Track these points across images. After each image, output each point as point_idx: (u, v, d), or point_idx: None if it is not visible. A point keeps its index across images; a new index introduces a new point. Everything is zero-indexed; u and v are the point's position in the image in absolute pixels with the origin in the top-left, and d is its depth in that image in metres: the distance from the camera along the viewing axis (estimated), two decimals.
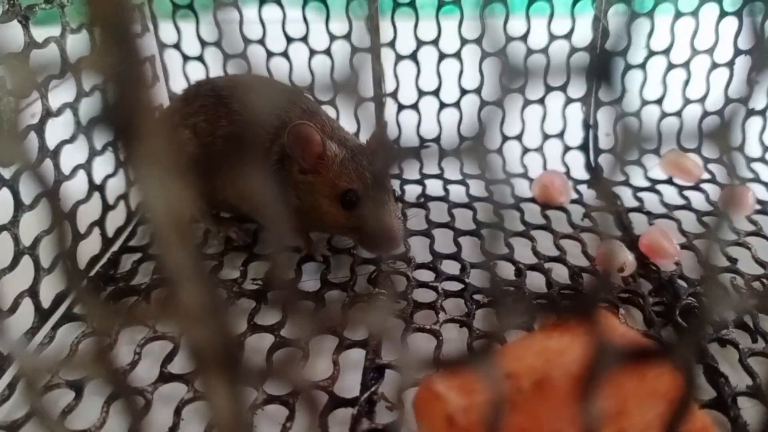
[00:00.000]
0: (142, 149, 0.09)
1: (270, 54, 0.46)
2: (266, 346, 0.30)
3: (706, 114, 0.47)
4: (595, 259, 0.36)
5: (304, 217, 0.35)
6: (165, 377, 0.28)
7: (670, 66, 0.46)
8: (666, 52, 0.45)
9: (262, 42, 0.45)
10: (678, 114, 0.47)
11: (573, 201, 0.43)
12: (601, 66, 0.16)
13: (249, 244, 0.39)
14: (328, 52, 0.45)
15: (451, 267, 0.36)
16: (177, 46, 0.46)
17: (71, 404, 0.26)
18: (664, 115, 0.47)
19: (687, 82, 0.46)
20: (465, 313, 0.32)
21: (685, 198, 0.43)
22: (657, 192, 0.44)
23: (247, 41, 0.45)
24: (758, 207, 0.41)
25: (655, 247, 0.36)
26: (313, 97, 0.41)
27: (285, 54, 0.46)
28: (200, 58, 0.46)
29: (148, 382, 0.28)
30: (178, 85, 0.47)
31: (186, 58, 0.46)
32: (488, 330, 0.31)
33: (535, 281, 0.35)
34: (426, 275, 0.35)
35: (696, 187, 0.44)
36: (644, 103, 0.46)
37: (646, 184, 0.45)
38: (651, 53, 0.45)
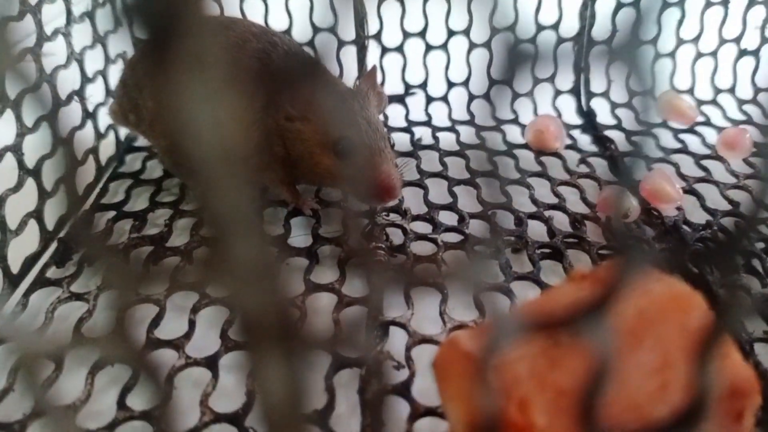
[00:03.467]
0: (187, 49, 0.07)
1: None
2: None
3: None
4: (597, 205, 0.35)
5: (291, 168, 0.33)
6: (156, 343, 0.26)
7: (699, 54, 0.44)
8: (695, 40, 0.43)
9: None
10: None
11: (567, 147, 0.42)
12: None
13: None
14: None
15: (448, 218, 0.34)
16: None
17: (51, 377, 0.24)
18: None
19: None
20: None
21: (681, 141, 0.42)
22: (653, 135, 0.42)
23: None
24: (754, 149, 0.40)
25: (657, 191, 0.35)
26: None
27: None
28: None
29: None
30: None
31: None
32: (495, 284, 0.29)
33: (536, 230, 0.33)
34: (423, 227, 0.34)
35: (691, 130, 0.43)
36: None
37: (640, 128, 0.44)
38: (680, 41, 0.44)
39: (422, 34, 0.44)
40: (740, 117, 0.44)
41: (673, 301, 0.19)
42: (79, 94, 0.36)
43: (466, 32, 0.44)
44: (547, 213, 0.35)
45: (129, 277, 0.11)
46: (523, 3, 0.43)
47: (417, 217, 0.34)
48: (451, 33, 0.44)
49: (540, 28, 0.44)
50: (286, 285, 0.28)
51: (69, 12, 0.36)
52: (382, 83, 0.44)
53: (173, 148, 0.35)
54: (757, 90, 0.45)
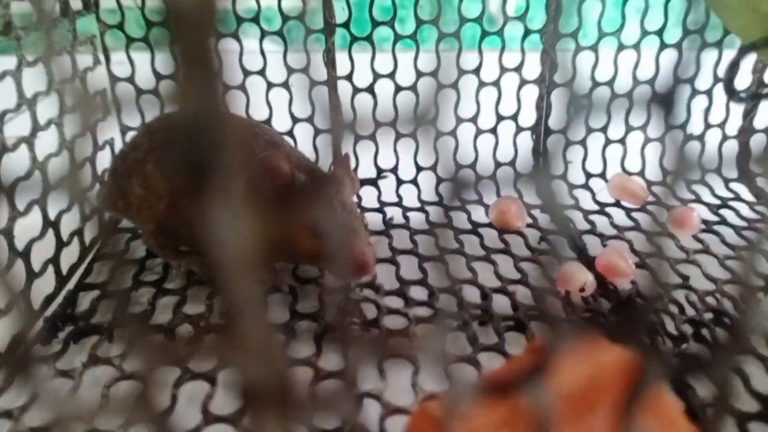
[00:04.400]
0: (222, 183, 0.09)
1: (226, 87, 0.46)
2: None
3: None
4: (557, 280, 0.37)
5: (270, 250, 0.35)
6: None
7: (647, 140, 0.48)
8: (643, 127, 0.48)
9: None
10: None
11: (528, 225, 0.45)
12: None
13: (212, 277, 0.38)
14: (286, 85, 0.46)
15: (419, 293, 0.36)
16: (131, 79, 0.45)
17: None
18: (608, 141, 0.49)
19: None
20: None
21: (634, 220, 0.45)
22: (606, 215, 0.46)
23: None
24: (703, 226, 0.43)
25: (612, 266, 0.38)
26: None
27: (242, 87, 0.46)
28: (154, 92, 0.45)
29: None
30: (132, 120, 0.46)
31: (140, 91, 0.45)
32: (463, 355, 0.31)
33: (501, 303, 0.36)
34: (395, 302, 0.36)
35: (642, 209, 0.46)
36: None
37: (595, 207, 0.47)
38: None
39: (392, 123, 0.47)
40: (689, 196, 0.48)
41: (624, 369, 0.21)
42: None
43: (433, 122, 0.47)
44: (510, 288, 0.37)
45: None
46: (484, 96, 0.47)
47: (390, 292, 0.36)
48: (459, 121, 0.47)
49: (500, 118, 0.48)
50: (284, 360, 0.30)
51: (62, 104, 0.39)
52: (355, 168, 0.47)
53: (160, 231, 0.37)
54: (704, 171, 0.49)
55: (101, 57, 0.43)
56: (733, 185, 0.49)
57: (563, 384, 0.20)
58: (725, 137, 0.50)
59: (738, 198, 0.48)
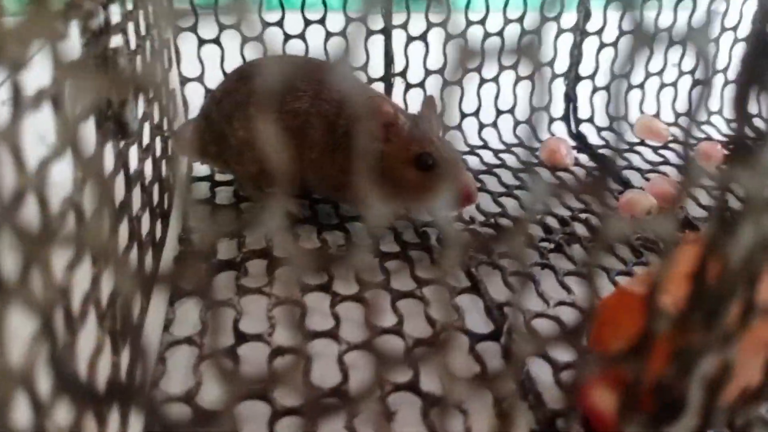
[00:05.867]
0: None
1: (288, 36, 0.47)
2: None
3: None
4: (621, 207, 0.41)
5: (374, 186, 0.37)
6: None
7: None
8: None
9: (280, 24, 0.47)
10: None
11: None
12: None
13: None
14: (343, 33, 0.47)
15: (506, 222, 0.40)
16: (193, 28, 0.45)
17: None
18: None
19: None
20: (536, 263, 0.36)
21: (662, 156, 0.50)
22: (637, 152, 0.51)
23: (265, 24, 0.46)
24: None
25: (665, 193, 0.42)
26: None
27: (302, 36, 0.47)
28: (217, 41, 0.46)
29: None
30: (191, 70, 0.47)
31: (202, 41, 0.46)
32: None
33: (578, 228, 0.40)
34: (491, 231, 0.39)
35: (665, 147, 0.51)
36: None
37: (625, 146, 0.52)
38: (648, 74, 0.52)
39: (440, 71, 0.50)
40: (701, 135, 0.53)
41: None
42: None
43: (478, 69, 0.50)
44: (582, 215, 0.41)
45: None
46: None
47: (484, 224, 0.40)
48: (466, 71, 0.50)
49: (538, 64, 0.52)
50: None
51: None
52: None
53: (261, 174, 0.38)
54: (710, 113, 0.55)
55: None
56: (734, 125, 0.55)
57: None
58: (727, 81, 0.56)
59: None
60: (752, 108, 0.16)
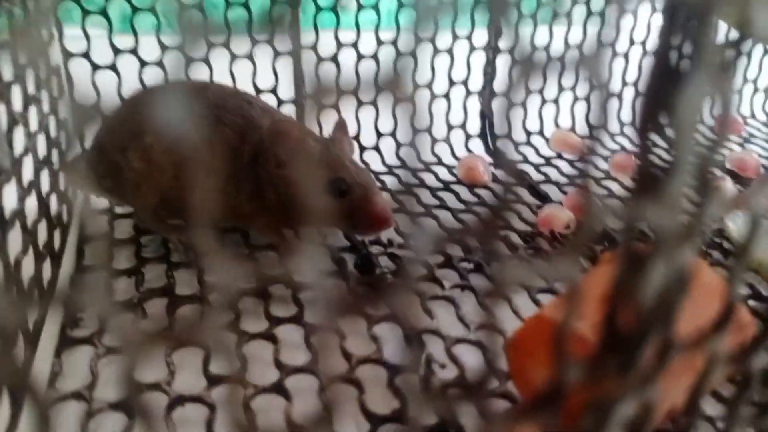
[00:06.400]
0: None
1: (189, 60, 0.44)
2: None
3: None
4: (539, 222, 0.41)
5: (282, 214, 0.36)
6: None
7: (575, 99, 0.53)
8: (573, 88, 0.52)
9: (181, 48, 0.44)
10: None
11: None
12: None
13: None
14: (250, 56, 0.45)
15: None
16: (86, 54, 0.42)
17: None
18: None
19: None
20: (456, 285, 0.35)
21: (578, 169, 0.50)
22: (554, 166, 0.51)
23: (163, 48, 0.43)
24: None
25: (582, 206, 0.42)
26: None
27: (206, 60, 0.45)
28: (113, 67, 0.43)
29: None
30: (86, 97, 0.43)
31: (96, 66, 0.43)
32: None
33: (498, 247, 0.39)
34: (408, 253, 0.38)
35: (581, 160, 0.52)
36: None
37: (541, 161, 0.52)
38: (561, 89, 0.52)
39: (354, 92, 0.49)
40: (615, 146, 0.54)
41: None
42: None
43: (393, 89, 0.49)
44: (502, 233, 0.40)
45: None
46: (438, 63, 0.50)
47: (401, 246, 0.38)
48: (379, 89, 0.49)
49: (452, 83, 0.51)
50: None
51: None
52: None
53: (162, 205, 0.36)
54: (622, 125, 0.56)
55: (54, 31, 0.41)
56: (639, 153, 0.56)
57: None
58: (638, 94, 0.57)
59: (655, 145, 0.54)
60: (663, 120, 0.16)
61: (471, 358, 0.29)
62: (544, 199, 0.45)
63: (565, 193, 0.46)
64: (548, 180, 0.48)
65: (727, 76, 0.13)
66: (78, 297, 0.13)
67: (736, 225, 0.39)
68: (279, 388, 0.27)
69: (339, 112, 0.48)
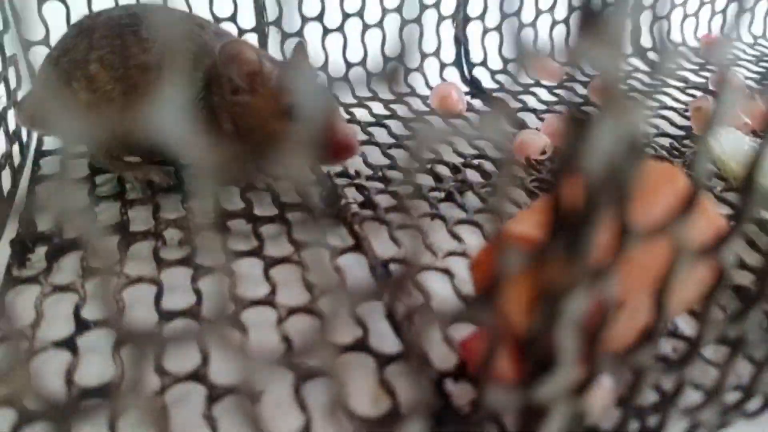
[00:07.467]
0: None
1: None
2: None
3: None
4: (516, 148, 0.39)
5: (241, 144, 0.34)
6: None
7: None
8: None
9: None
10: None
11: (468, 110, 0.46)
12: None
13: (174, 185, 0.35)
14: None
15: (396, 174, 0.37)
16: None
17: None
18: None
19: None
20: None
21: (556, 95, 0.48)
22: (532, 93, 0.49)
23: None
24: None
25: (558, 132, 0.40)
26: None
27: None
28: None
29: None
30: (34, 32, 0.41)
31: None
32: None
33: (471, 175, 0.37)
34: (378, 185, 0.36)
35: (561, 86, 0.50)
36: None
37: (519, 88, 0.49)
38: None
39: (320, 18, 0.46)
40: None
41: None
42: None
43: (360, 14, 0.47)
44: (475, 161, 0.39)
45: None
46: None
47: (370, 177, 0.36)
48: (346, 16, 0.47)
49: (423, 7, 0.48)
50: None
51: None
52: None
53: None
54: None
55: None
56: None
57: None
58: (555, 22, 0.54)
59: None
60: None
61: (437, 285, 0.28)
62: (521, 126, 0.44)
63: (542, 120, 0.44)
64: (526, 108, 0.46)
65: None
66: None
67: (719, 144, 0.38)
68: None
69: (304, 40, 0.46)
